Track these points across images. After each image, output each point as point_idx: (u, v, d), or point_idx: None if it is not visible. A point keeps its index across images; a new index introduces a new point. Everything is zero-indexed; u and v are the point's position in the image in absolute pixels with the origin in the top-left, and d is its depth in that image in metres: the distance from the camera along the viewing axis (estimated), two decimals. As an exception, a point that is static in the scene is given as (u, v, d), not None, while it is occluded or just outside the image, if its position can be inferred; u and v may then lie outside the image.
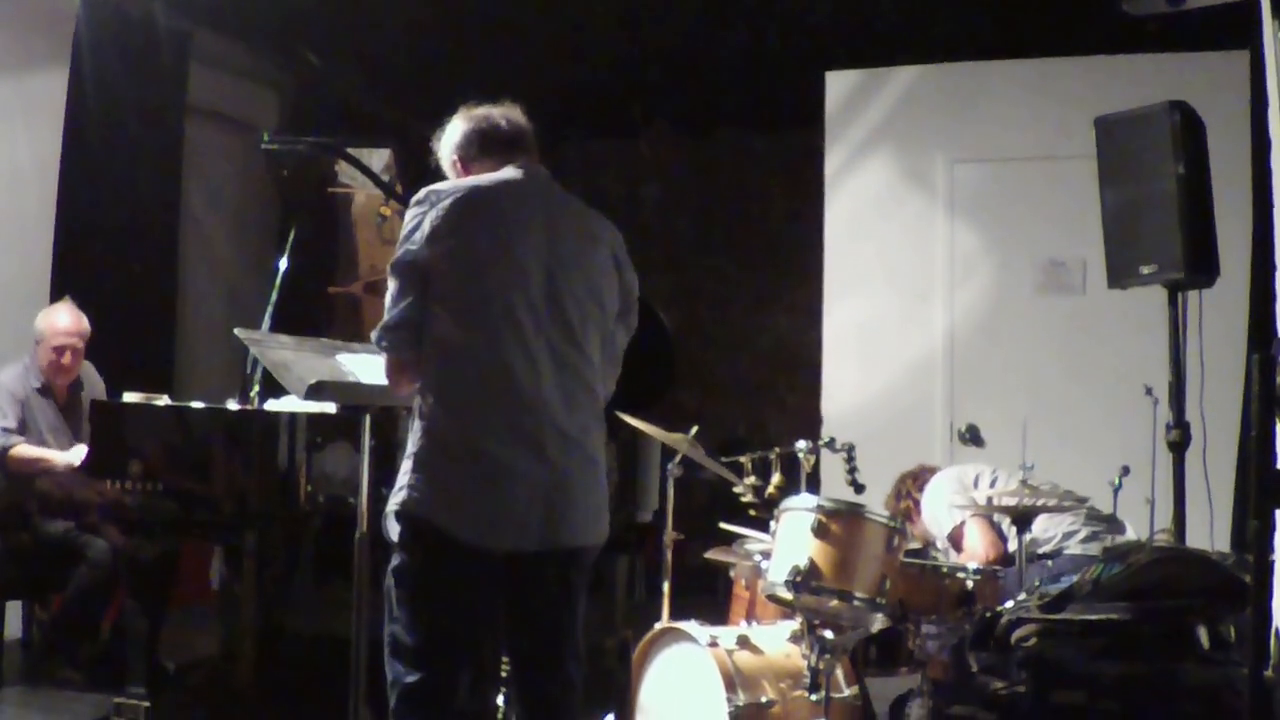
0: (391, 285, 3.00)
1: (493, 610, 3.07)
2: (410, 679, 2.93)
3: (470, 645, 3.10)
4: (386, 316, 2.99)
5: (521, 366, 2.95)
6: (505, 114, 3.24)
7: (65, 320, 5.38)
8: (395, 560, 3.00)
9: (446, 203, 2.99)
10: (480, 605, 3.03)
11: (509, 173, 3.13)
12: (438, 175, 3.27)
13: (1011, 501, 4.26)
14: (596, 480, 3.09)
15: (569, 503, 3.00)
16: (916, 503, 4.88)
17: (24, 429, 5.27)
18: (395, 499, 2.98)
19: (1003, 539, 4.65)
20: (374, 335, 3.02)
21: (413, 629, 2.94)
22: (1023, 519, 4.25)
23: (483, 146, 3.21)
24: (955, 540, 4.73)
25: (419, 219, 2.99)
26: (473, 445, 2.93)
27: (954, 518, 4.71)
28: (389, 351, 3.01)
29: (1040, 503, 4.26)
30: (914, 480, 4.98)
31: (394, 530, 3.00)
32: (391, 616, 2.97)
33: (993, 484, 4.74)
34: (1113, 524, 4.66)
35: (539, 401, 2.96)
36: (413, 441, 3.00)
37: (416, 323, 2.97)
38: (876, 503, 4.13)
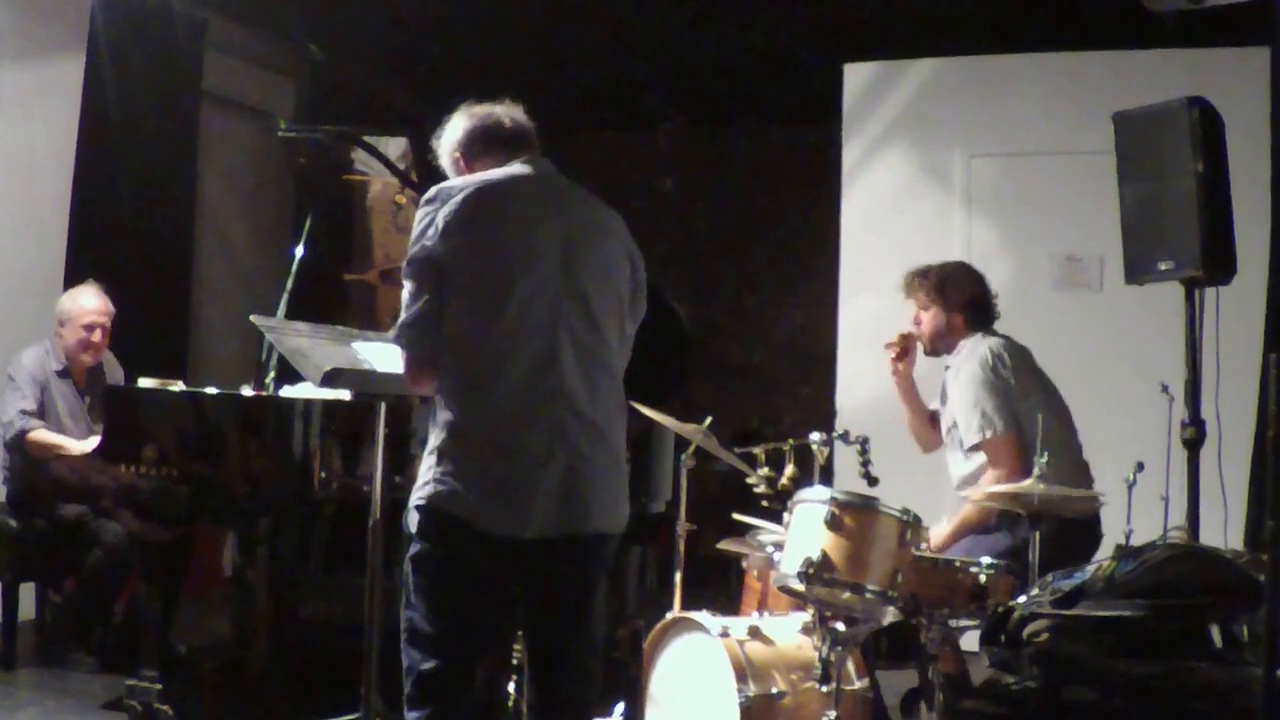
0: (407, 284, 3.00)
1: (511, 599, 3.08)
2: (427, 666, 2.93)
3: (489, 634, 3.11)
4: (404, 315, 2.99)
5: (542, 354, 2.95)
6: (508, 112, 3.24)
7: (93, 300, 5.44)
8: (414, 548, 3.00)
9: (458, 198, 2.98)
10: (500, 594, 3.03)
11: (516, 167, 3.13)
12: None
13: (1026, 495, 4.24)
14: (618, 468, 3.09)
15: (590, 489, 2.99)
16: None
17: (43, 411, 5.29)
18: (419, 493, 2.97)
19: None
20: (392, 334, 3.03)
21: (431, 617, 2.94)
22: (1036, 515, 4.23)
23: (486, 144, 3.21)
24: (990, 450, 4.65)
25: (431, 216, 2.98)
26: (495, 436, 2.93)
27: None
28: (407, 349, 3.01)
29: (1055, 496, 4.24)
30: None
31: (414, 522, 3.00)
32: (408, 603, 2.98)
33: None
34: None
35: (561, 389, 2.96)
36: (434, 435, 2.99)
37: (434, 319, 2.96)
38: (890, 495, 4.11)
